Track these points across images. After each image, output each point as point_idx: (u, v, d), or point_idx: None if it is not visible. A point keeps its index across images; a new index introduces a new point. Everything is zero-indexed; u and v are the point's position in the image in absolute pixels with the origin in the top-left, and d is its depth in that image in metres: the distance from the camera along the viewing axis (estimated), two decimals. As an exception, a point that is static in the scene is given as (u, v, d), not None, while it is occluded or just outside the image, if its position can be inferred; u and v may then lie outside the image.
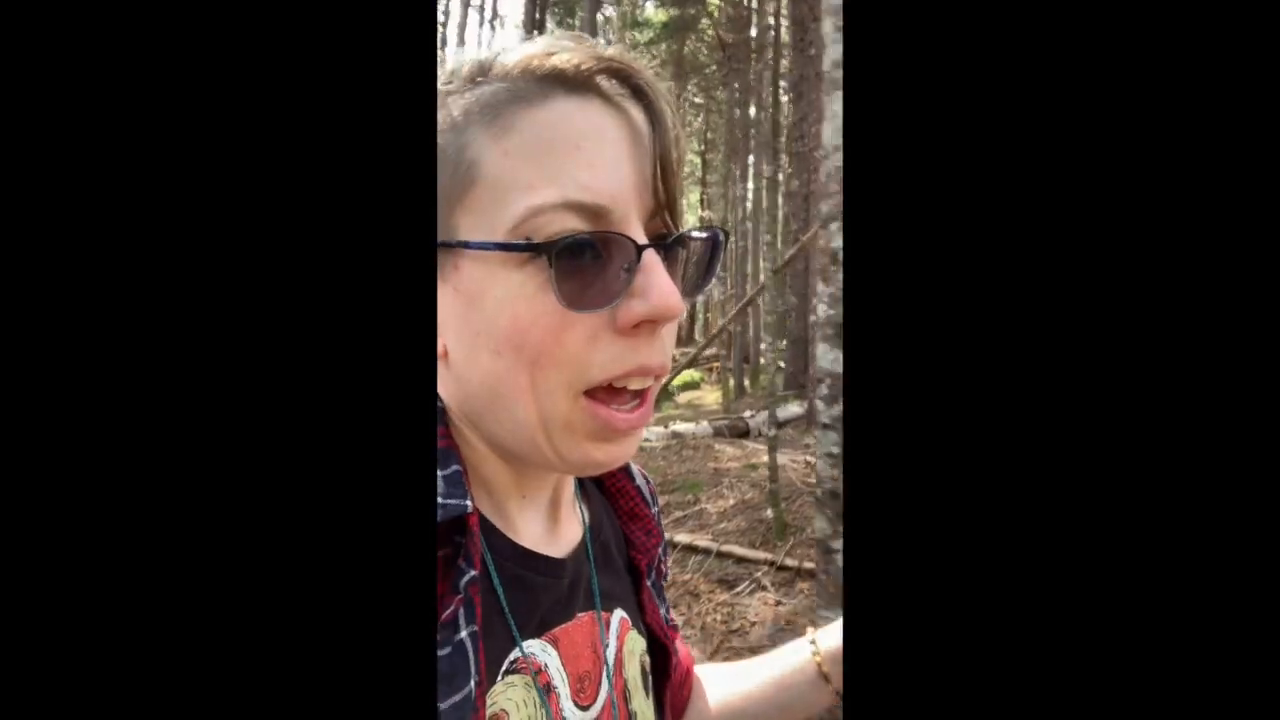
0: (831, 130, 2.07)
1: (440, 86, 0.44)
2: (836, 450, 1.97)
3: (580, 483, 0.59)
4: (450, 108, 0.43)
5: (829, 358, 1.99)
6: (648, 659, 0.59)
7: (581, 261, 0.40)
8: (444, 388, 0.47)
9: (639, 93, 0.43)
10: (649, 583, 0.61)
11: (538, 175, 0.40)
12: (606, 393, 0.43)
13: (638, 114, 0.43)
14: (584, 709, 0.50)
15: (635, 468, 0.62)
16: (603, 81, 0.42)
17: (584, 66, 0.42)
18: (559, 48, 0.42)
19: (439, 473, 0.43)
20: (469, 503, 0.43)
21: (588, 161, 0.40)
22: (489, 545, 0.47)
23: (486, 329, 0.42)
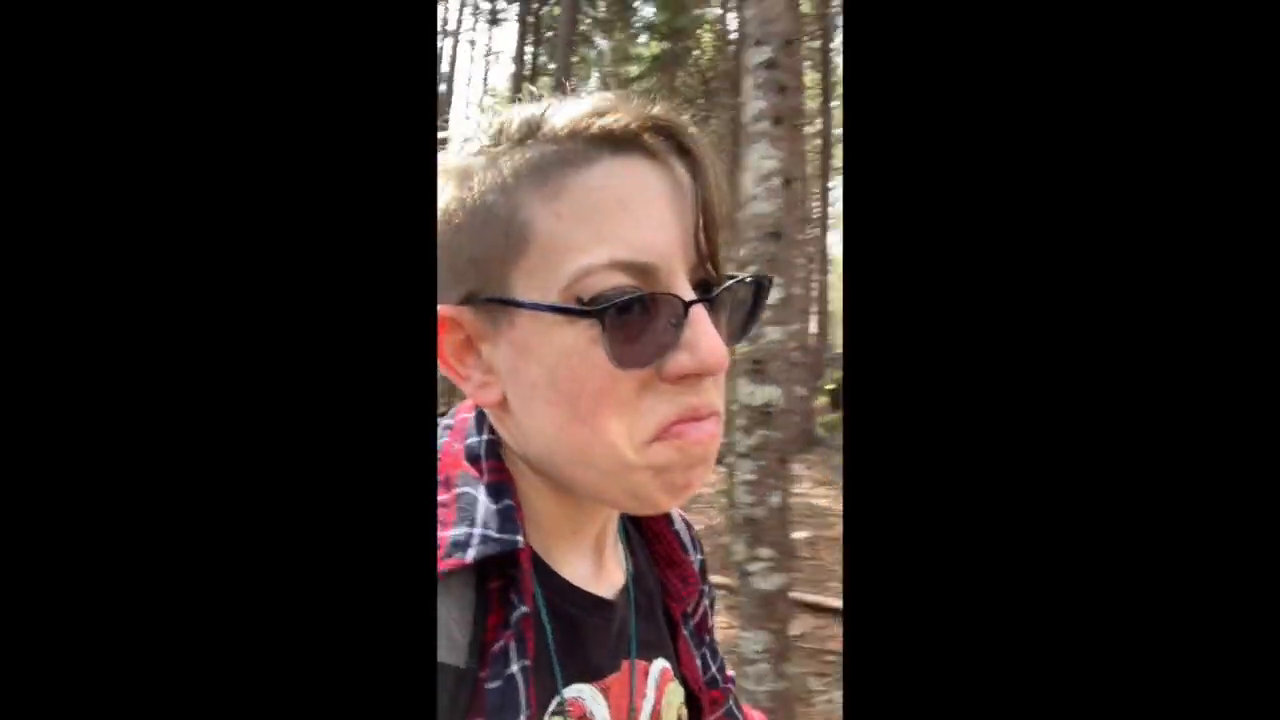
0: (752, 180, 2.24)
1: (488, 145, 0.47)
2: (753, 477, 2.11)
3: (623, 527, 0.60)
4: (500, 167, 0.45)
5: (746, 391, 2.14)
6: (685, 711, 0.59)
7: (630, 319, 0.42)
8: (503, 429, 0.50)
9: (682, 149, 0.45)
10: (685, 632, 0.61)
11: (587, 236, 0.42)
12: (668, 428, 0.44)
13: (681, 169, 0.45)
14: None
15: (676, 512, 0.62)
16: (648, 139, 0.45)
17: (630, 126, 0.44)
18: (606, 108, 0.45)
19: (492, 504, 0.46)
20: (520, 538, 0.45)
21: (634, 221, 0.43)
22: (539, 581, 0.48)
23: (541, 382, 0.44)
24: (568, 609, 0.49)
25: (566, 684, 0.47)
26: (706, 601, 0.64)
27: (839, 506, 6.04)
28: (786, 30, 2.55)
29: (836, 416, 10.21)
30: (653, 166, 0.44)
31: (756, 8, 3.23)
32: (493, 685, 0.43)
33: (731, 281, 0.47)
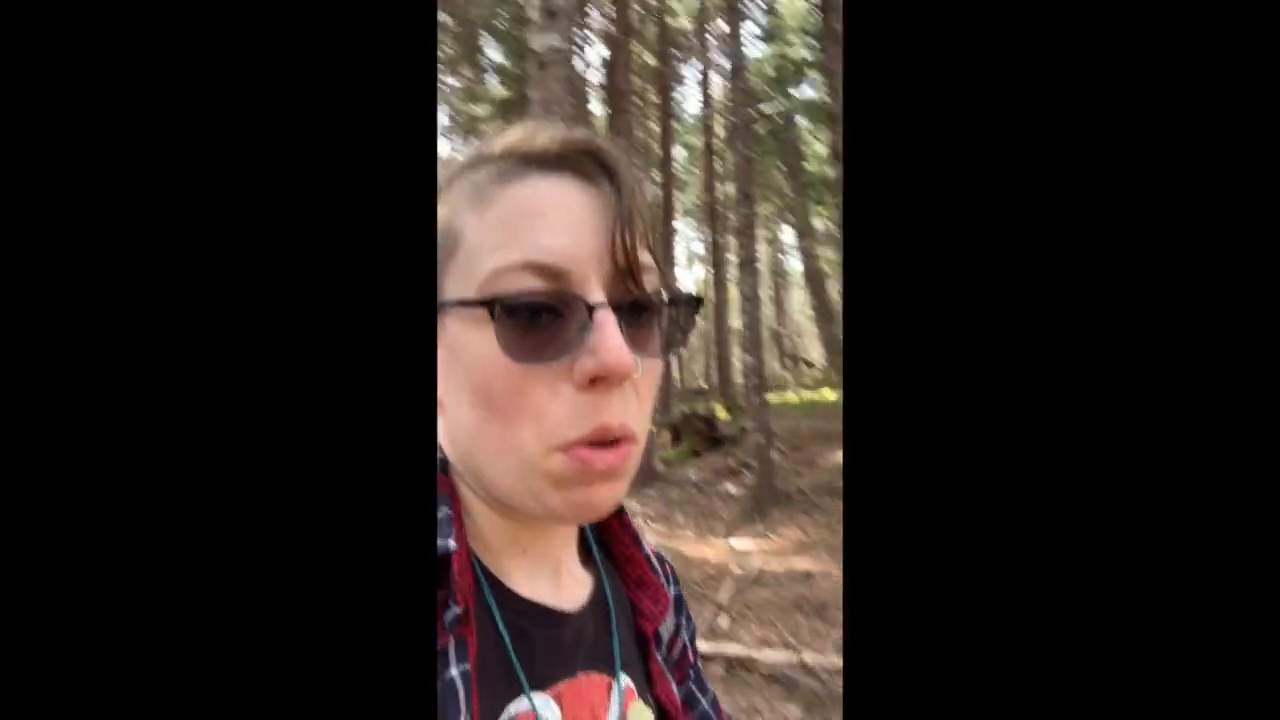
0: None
1: (445, 176, 0.51)
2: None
3: (587, 550, 0.61)
4: (451, 190, 0.49)
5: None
6: None
7: (532, 318, 0.44)
8: (445, 437, 0.51)
9: (605, 168, 0.48)
10: (659, 655, 0.61)
11: (503, 238, 0.45)
12: (578, 445, 0.45)
13: (605, 188, 0.47)
14: None
15: (646, 541, 0.63)
16: (574, 159, 0.48)
17: (555, 146, 0.48)
18: (536, 132, 0.49)
19: None
20: (452, 542, 0.46)
21: (549, 227, 0.45)
22: (491, 594, 0.49)
23: (466, 384, 0.46)
24: (519, 621, 0.50)
25: (525, 693, 0.48)
26: (686, 636, 0.64)
27: (673, 543, 6.41)
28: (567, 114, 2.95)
29: (676, 451, 10.65)
30: (577, 184, 0.47)
31: (539, 89, 3.59)
32: None
33: (645, 293, 0.48)
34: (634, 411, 0.47)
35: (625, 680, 0.56)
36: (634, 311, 0.47)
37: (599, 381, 0.44)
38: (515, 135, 0.50)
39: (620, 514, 0.61)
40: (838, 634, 4.12)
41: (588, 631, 0.54)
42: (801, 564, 5.56)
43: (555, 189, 0.47)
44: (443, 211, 0.48)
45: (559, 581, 0.55)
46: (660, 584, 0.62)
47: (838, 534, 6.20)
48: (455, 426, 0.49)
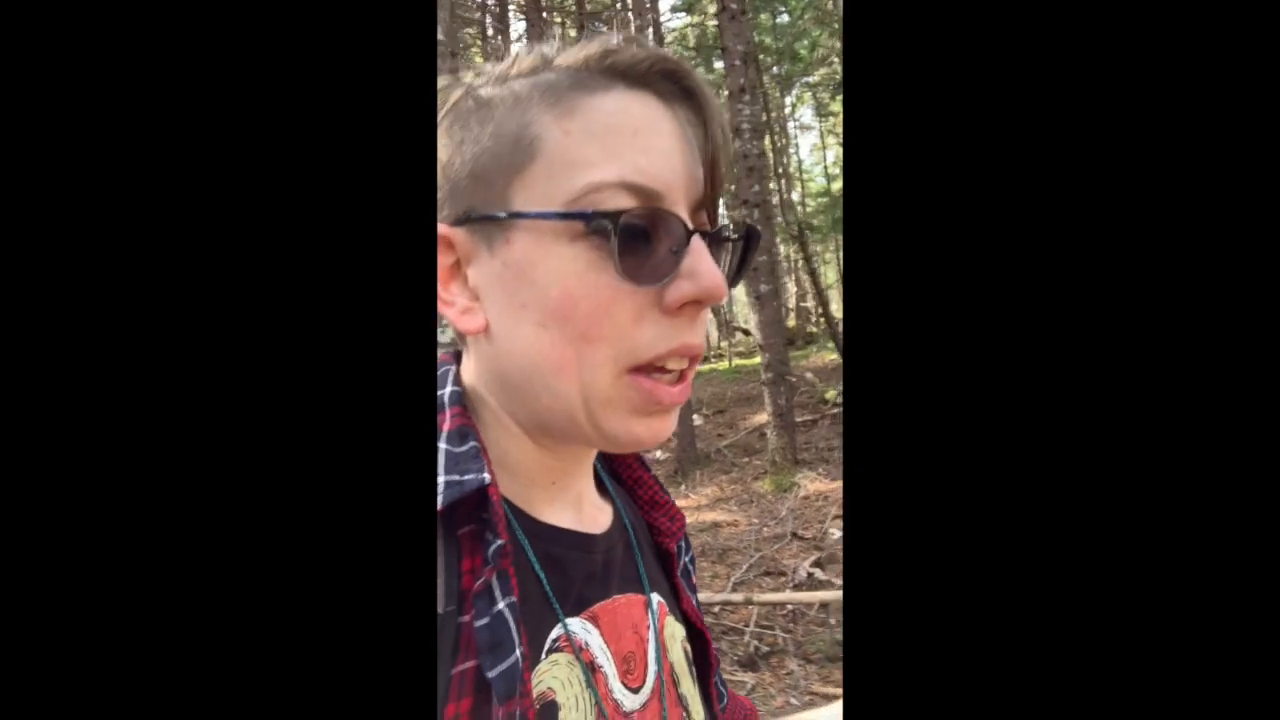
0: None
1: (502, 70, 0.48)
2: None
3: (598, 478, 0.60)
4: (511, 88, 0.46)
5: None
6: (689, 646, 0.59)
7: (638, 238, 0.42)
8: (479, 364, 0.49)
9: (689, 94, 0.46)
10: (680, 571, 0.61)
11: (598, 154, 0.43)
12: (648, 370, 0.45)
13: (687, 115, 0.46)
14: (634, 690, 0.50)
15: (645, 458, 0.64)
16: (661, 80, 0.46)
17: (641, 64, 0.45)
18: (617, 47, 0.46)
19: (454, 449, 0.45)
20: (486, 475, 0.44)
21: (644, 148, 0.43)
22: (521, 527, 0.48)
23: (535, 301, 0.44)
24: (551, 549, 0.49)
25: (560, 621, 0.47)
26: (687, 556, 0.64)
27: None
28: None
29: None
30: (662, 105, 0.45)
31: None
32: (480, 623, 0.42)
33: (728, 225, 0.48)
34: (704, 335, 0.47)
35: (657, 597, 0.56)
36: (711, 241, 0.46)
37: (689, 306, 0.44)
38: (596, 46, 0.46)
39: None
40: (736, 575, 4.49)
41: (616, 553, 0.54)
42: (712, 516, 5.93)
43: (643, 107, 0.45)
44: (504, 114, 0.45)
45: (582, 509, 0.54)
46: (672, 502, 0.62)
47: (749, 487, 6.61)
48: (506, 350, 0.46)
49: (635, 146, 0.43)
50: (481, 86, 0.47)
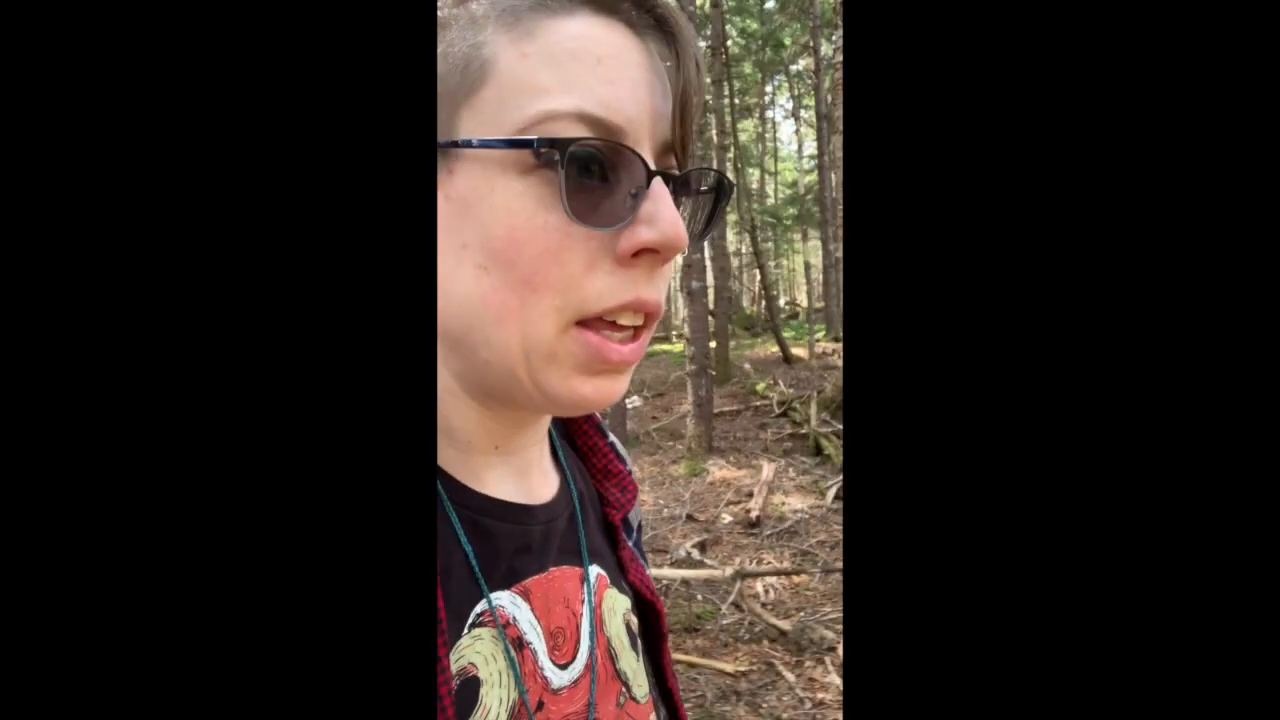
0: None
1: None
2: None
3: (553, 445, 0.57)
4: (468, 9, 0.41)
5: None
6: (634, 619, 0.56)
7: (590, 176, 0.39)
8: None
9: (662, 24, 0.42)
10: (630, 541, 0.59)
11: (555, 81, 0.39)
12: (598, 324, 0.41)
13: (658, 47, 0.42)
14: (562, 667, 0.48)
15: (604, 425, 0.61)
16: (630, 8, 0.42)
17: None
18: None
19: None
20: None
21: (608, 78, 0.39)
22: (449, 495, 0.45)
23: (477, 241, 0.40)
24: (480, 520, 0.46)
25: (484, 596, 0.44)
26: (636, 528, 0.62)
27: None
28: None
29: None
30: (631, 35, 0.41)
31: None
32: None
33: (697, 169, 0.45)
34: (662, 290, 0.43)
35: (597, 570, 0.54)
36: (676, 186, 0.43)
37: (644, 254, 0.40)
38: None
39: None
40: (626, 550, 4.93)
41: (557, 525, 0.51)
42: (623, 495, 6.36)
43: (609, 35, 0.41)
44: (456, 35, 0.41)
45: (529, 478, 0.51)
46: (627, 472, 0.60)
47: (666, 468, 7.08)
48: (445, 295, 0.41)
49: (597, 75, 0.39)
50: (441, 7, 0.43)
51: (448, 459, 0.46)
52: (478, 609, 0.45)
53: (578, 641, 0.50)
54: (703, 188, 0.46)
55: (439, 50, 0.41)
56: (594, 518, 0.57)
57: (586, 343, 0.41)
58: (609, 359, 0.41)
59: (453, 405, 0.46)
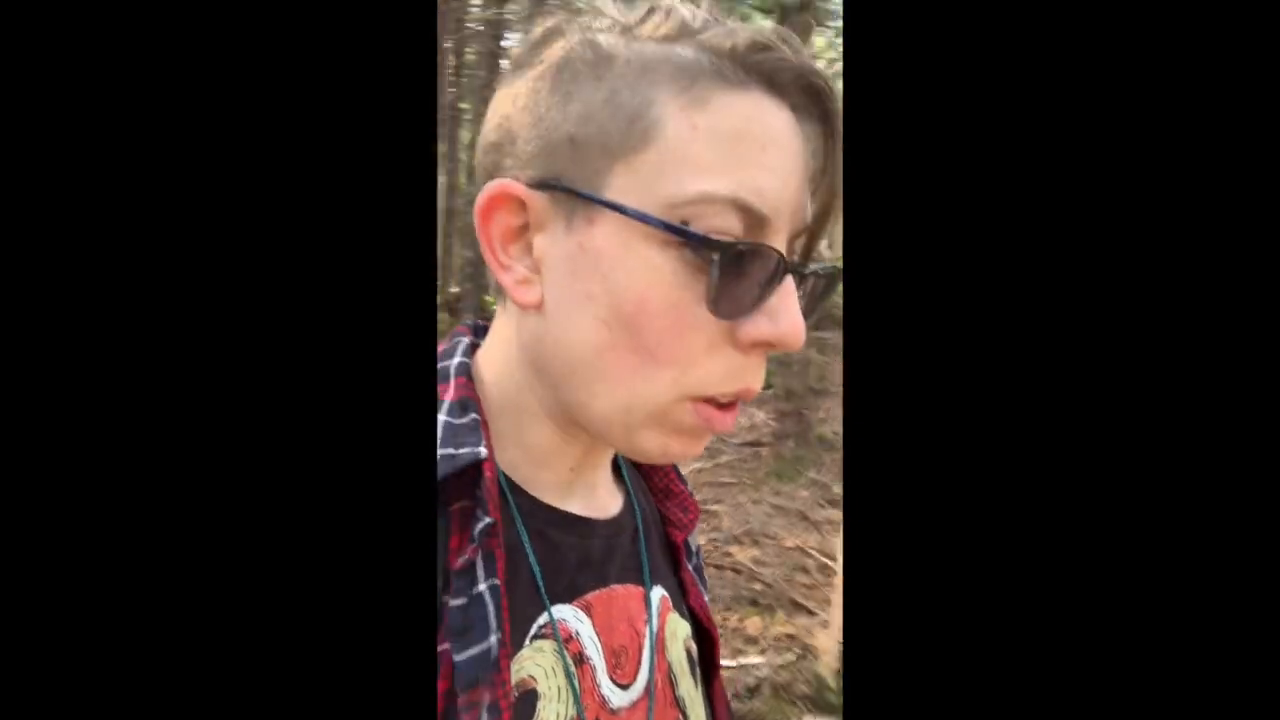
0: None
1: (631, 22, 0.42)
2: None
3: (614, 462, 0.57)
4: (639, 50, 0.41)
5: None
6: (694, 645, 0.56)
7: (737, 271, 0.39)
8: (519, 338, 0.45)
9: (826, 118, 0.42)
10: (690, 564, 0.59)
11: (719, 161, 0.39)
12: (713, 399, 0.42)
13: (815, 139, 0.43)
14: (623, 687, 0.48)
15: None
16: (798, 91, 0.42)
17: (788, 71, 0.41)
18: (771, 42, 0.41)
19: (454, 420, 0.43)
20: (482, 450, 0.42)
21: (768, 164, 0.40)
22: (516, 504, 0.46)
23: (604, 297, 0.40)
24: (547, 530, 0.47)
25: (546, 608, 0.45)
26: (696, 553, 0.62)
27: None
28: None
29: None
30: (793, 121, 0.42)
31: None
32: (455, 603, 0.40)
33: (819, 265, 0.45)
34: (761, 382, 0.44)
35: (660, 591, 0.54)
36: (800, 279, 0.44)
37: (759, 345, 0.41)
38: (746, 36, 0.41)
39: None
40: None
41: (620, 541, 0.52)
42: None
43: (776, 119, 0.41)
44: (625, 84, 0.40)
45: (594, 495, 0.52)
46: (687, 492, 0.59)
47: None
48: (556, 334, 0.43)
49: (759, 162, 0.40)
50: (602, 34, 0.42)
51: (521, 472, 0.47)
52: (540, 621, 0.45)
53: (639, 662, 0.50)
54: (821, 274, 0.46)
55: (603, 93, 0.41)
56: (656, 537, 0.57)
57: (699, 414, 0.42)
58: (715, 427, 0.43)
59: (536, 427, 0.47)
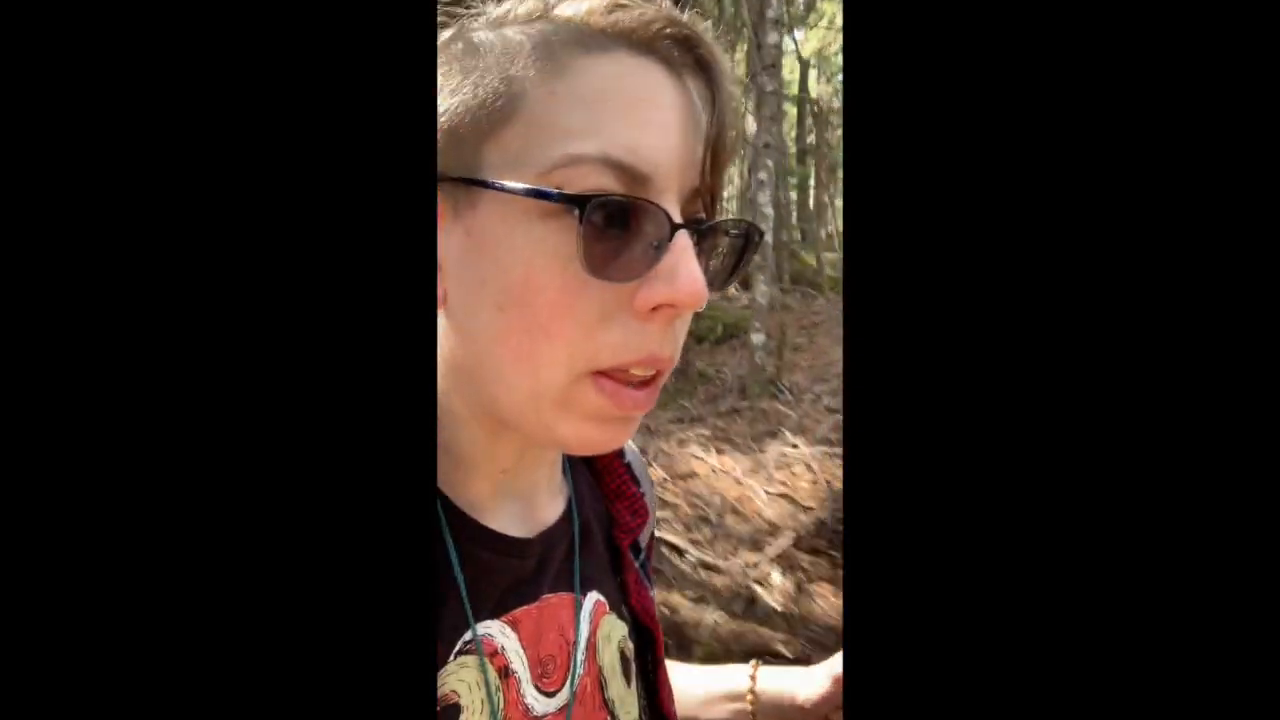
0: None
1: (499, 14, 0.43)
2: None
3: (568, 459, 0.57)
4: (504, 35, 0.41)
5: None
6: (630, 645, 0.56)
7: (612, 227, 0.38)
8: (441, 339, 0.44)
9: (702, 64, 0.42)
10: (637, 564, 0.58)
11: (583, 123, 0.38)
12: (612, 372, 0.40)
13: (697, 88, 0.42)
14: (548, 694, 0.48)
15: (630, 445, 0.59)
16: (670, 46, 0.41)
17: (652, 26, 0.40)
18: (625, 2, 0.41)
19: None
20: None
21: (639, 121, 0.39)
22: (449, 524, 0.45)
23: (495, 280, 0.39)
24: (478, 552, 0.46)
25: (470, 626, 0.44)
26: (643, 555, 0.61)
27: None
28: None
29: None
30: (668, 76, 0.41)
31: None
32: None
33: (724, 220, 0.43)
34: (677, 342, 0.43)
35: (594, 596, 0.53)
36: (701, 236, 0.42)
37: (661, 309, 0.40)
38: (595, 2, 0.42)
39: None
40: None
41: (556, 552, 0.51)
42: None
43: (646, 76, 0.40)
44: (490, 63, 0.40)
45: (533, 503, 0.51)
46: (639, 494, 0.59)
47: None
48: (462, 328, 0.42)
49: (628, 119, 0.39)
50: (476, 30, 0.43)
51: (452, 482, 0.46)
52: (465, 637, 0.45)
53: (568, 669, 0.50)
54: (727, 237, 0.45)
55: (472, 80, 0.40)
56: (600, 539, 0.56)
57: (600, 389, 0.40)
58: (623, 405, 0.41)
59: (460, 430, 0.46)
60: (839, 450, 4.08)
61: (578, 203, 0.37)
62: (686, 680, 0.68)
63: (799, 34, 12.87)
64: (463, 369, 0.44)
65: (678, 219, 0.40)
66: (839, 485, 3.71)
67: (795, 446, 4.16)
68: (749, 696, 0.65)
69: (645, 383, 0.42)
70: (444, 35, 0.43)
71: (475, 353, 0.42)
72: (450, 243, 0.41)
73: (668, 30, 0.41)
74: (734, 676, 0.67)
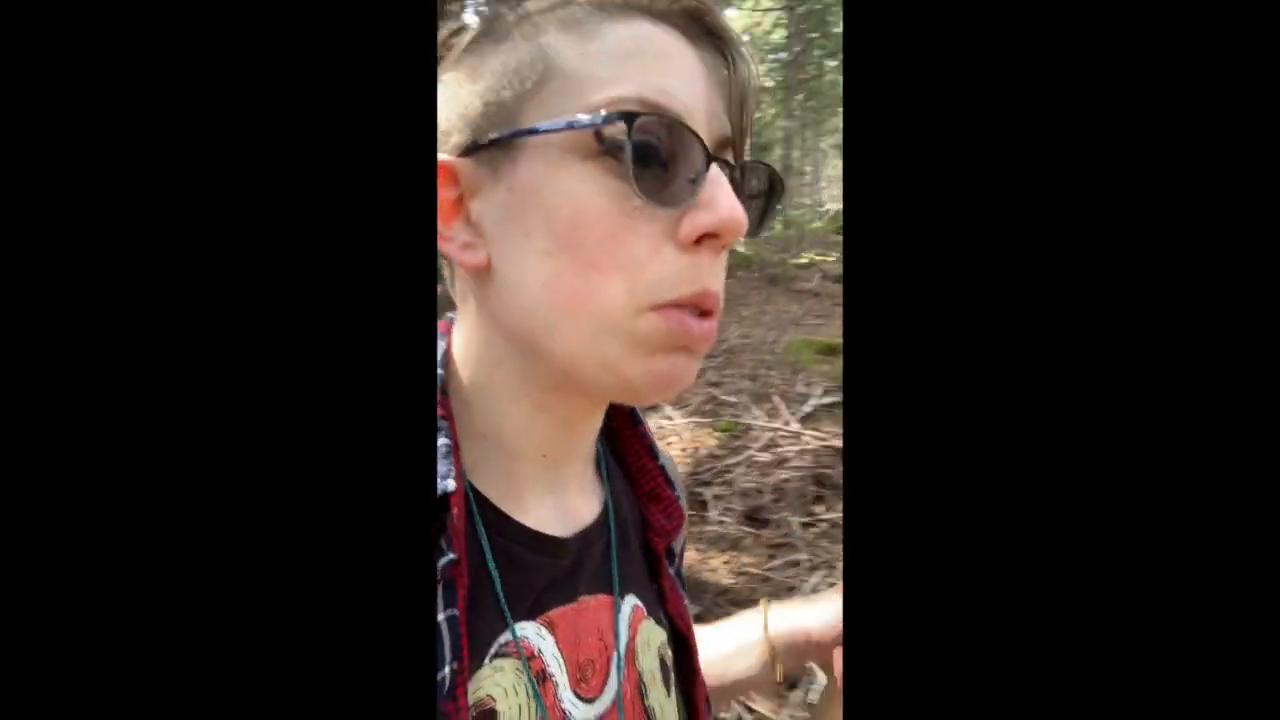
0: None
1: (521, 6, 0.44)
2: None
3: (599, 460, 0.56)
4: (528, 19, 0.43)
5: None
6: (669, 652, 0.55)
7: (654, 153, 0.39)
8: (479, 313, 0.45)
9: (712, 34, 0.44)
10: (671, 570, 0.58)
11: (616, 72, 0.40)
12: (672, 305, 0.41)
13: (711, 57, 0.44)
14: (587, 701, 0.47)
15: (660, 448, 0.59)
16: (685, 20, 0.43)
17: (665, 1, 0.43)
18: None
19: None
20: (451, 483, 0.42)
21: (668, 72, 0.41)
22: (484, 520, 0.45)
23: (541, 227, 0.40)
24: (513, 550, 0.46)
25: (509, 627, 0.44)
26: (678, 559, 0.61)
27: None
28: None
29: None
30: (685, 42, 0.43)
31: None
32: None
33: (751, 162, 0.45)
34: (722, 282, 0.43)
35: (632, 600, 0.53)
36: (735, 175, 0.44)
37: (705, 241, 0.41)
38: None
39: (636, 423, 0.58)
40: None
41: (592, 553, 0.51)
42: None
43: (668, 40, 0.42)
44: (522, 41, 0.43)
45: (568, 498, 0.51)
46: (674, 497, 0.58)
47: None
48: (509, 287, 0.43)
49: (658, 70, 0.41)
50: (498, 20, 0.45)
51: (489, 472, 0.47)
52: (501, 639, 0.44)
53: (607, 675, 0.49)
54: (754, 182, 0.46)
55: (502, 56, 0.43)
56: (635, 542, 0.56)
57: (666, 319, 0.40)
58: (691, 332, 0.41)
59: (502, 409, 0.46)
60: (709, 420, 4.27)
61: (626, 119, 0.39)
62: (699, 640, 0.67)
63: (732, 12, 12.95)
64: (514, 333, 0.44)
65: (711, 153, 0.41)
66: (704, 450, 3.87)
67: (670, 419, 4.33)
68: (766, 644, 0.64)
69: (705, 314, 0.42)
70: (468, 33, 0.45)
71: (526, 309, 0.42)
72: (490, 206, 0.43)
73: (678, 4, 0.43)
74: (747, 625, 0.66)
